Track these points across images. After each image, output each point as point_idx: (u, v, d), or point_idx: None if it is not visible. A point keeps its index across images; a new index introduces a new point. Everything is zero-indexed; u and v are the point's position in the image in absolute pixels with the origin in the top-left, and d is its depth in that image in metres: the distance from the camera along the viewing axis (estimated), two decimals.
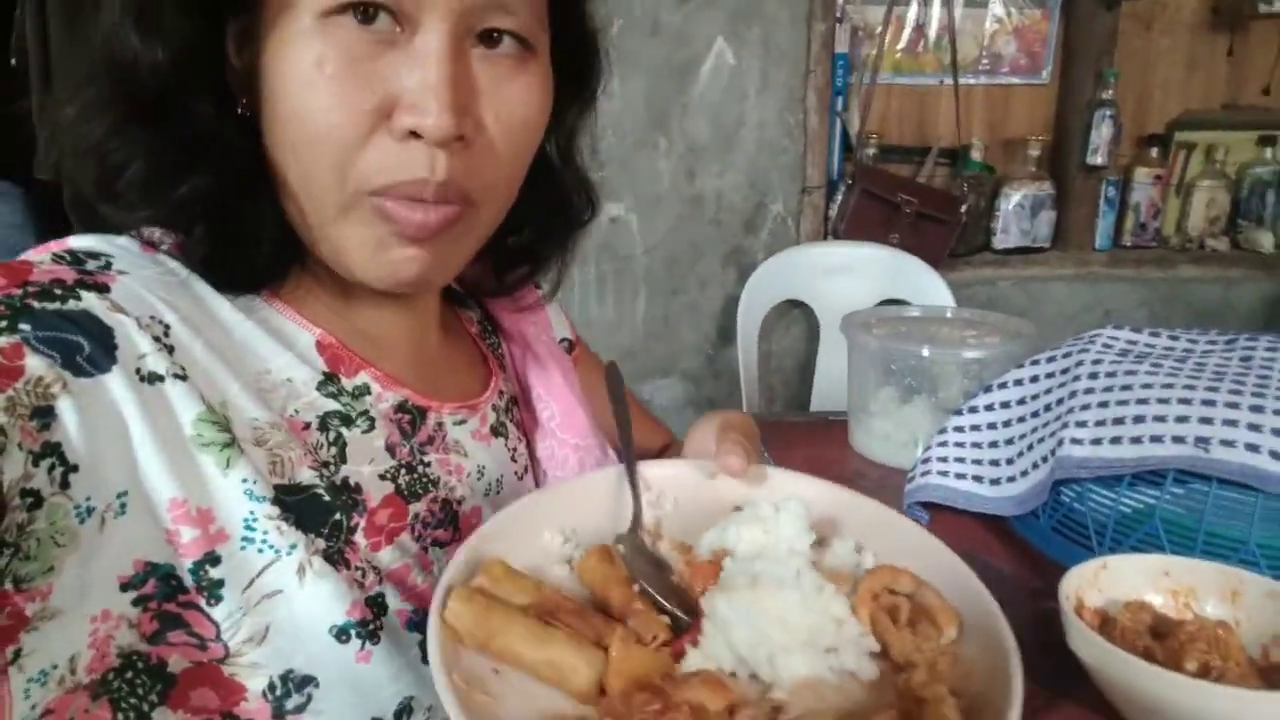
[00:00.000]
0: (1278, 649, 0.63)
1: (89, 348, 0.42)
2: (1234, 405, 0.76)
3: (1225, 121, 2.26)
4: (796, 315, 2.19)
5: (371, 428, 0.55)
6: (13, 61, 1.86)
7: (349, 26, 0.47)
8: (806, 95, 2.08)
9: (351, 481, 0.52)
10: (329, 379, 0.54)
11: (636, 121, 2.05)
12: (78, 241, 0.49)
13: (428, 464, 0.57)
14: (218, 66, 0.50)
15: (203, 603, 0.45)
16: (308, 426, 0.51)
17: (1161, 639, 0.63)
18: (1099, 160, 2.15)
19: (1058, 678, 0.65)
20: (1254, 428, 0.74)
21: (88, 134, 0.49)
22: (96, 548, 0.41)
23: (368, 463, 0.54)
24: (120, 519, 0.42)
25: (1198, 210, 2.29)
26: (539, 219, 0.61)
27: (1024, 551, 0.89)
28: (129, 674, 0.43)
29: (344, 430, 0.53)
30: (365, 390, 0.55)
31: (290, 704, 0.47)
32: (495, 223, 0.57)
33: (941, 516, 0.94)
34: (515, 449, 0.66)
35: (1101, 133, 2.14)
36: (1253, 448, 0.74)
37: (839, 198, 2.16)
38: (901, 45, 2.22)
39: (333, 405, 0.53)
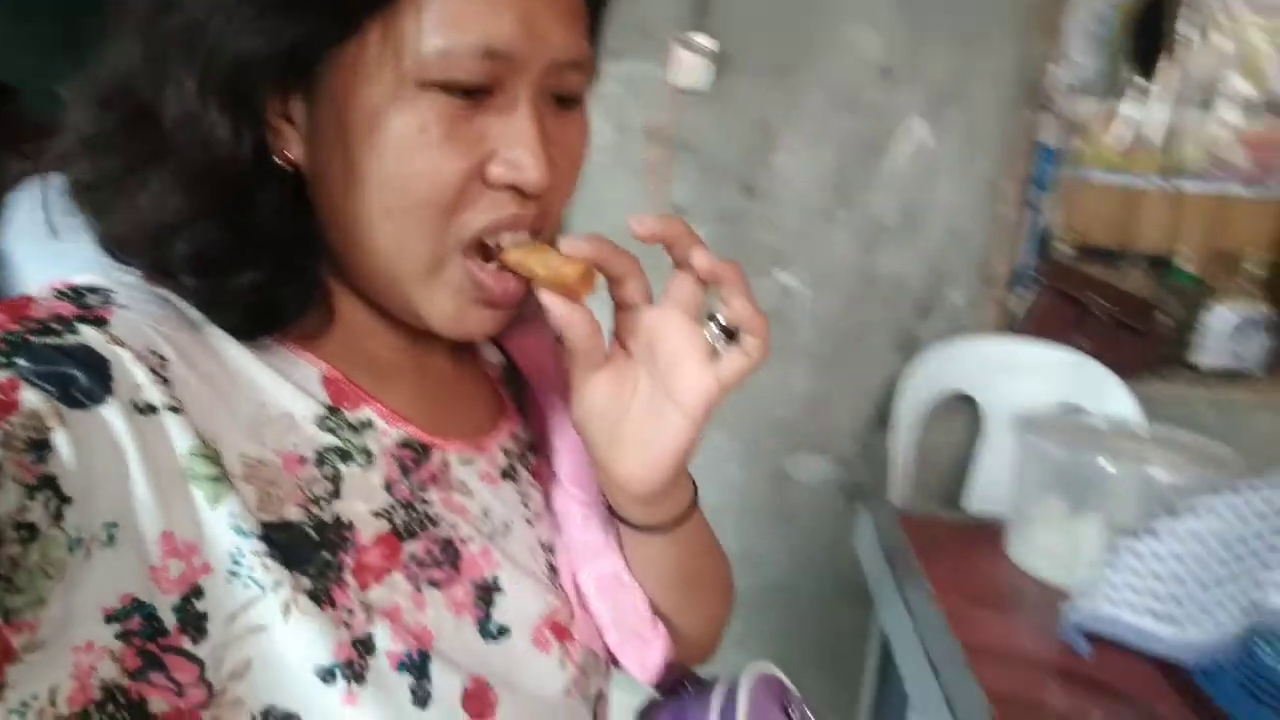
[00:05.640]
0: None
1: (85, 380, 0.43)
2: None
3: None
4: (962, 410, 2.06)
5: (370, 464, 0.54)
6: None
7: (441, 93, 0.48)
8: (1003, 184, 1.99)
9: (343, 518, 0.51)
10: (331, 413, 0.53)
11: (820, 193, 2.02)
12: (81, 277, 0.49)
13: (428, 502, 0.56)
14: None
15: (186, 643, 0.44)
16: (303, 461, 0.51)
17: None
18: None
19: None
20: None
21: (152, 216, 0.48)
22: (82, 577, 0.41)
23: (362, 499, 0.52)
24: (108, 549, 0.42)
25: None
26: None
27: (1200, 706, 0.78)
28: (109, 708, 0.42)
29: (341, 465, 0.52)
30: (368, 425, 0.54)
31: None
32: None
33: (1108, 651, 0.84)
34: (526, 494, 0.64)
35: None
36: None
37: (1025, 293, 2.04)
38: (1113, 142, 2.09)
39: (332, 440, 0.52)
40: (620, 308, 0.55)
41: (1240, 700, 0.75)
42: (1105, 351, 1.93)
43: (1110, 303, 1.96)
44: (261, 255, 0.50)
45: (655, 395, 0.55)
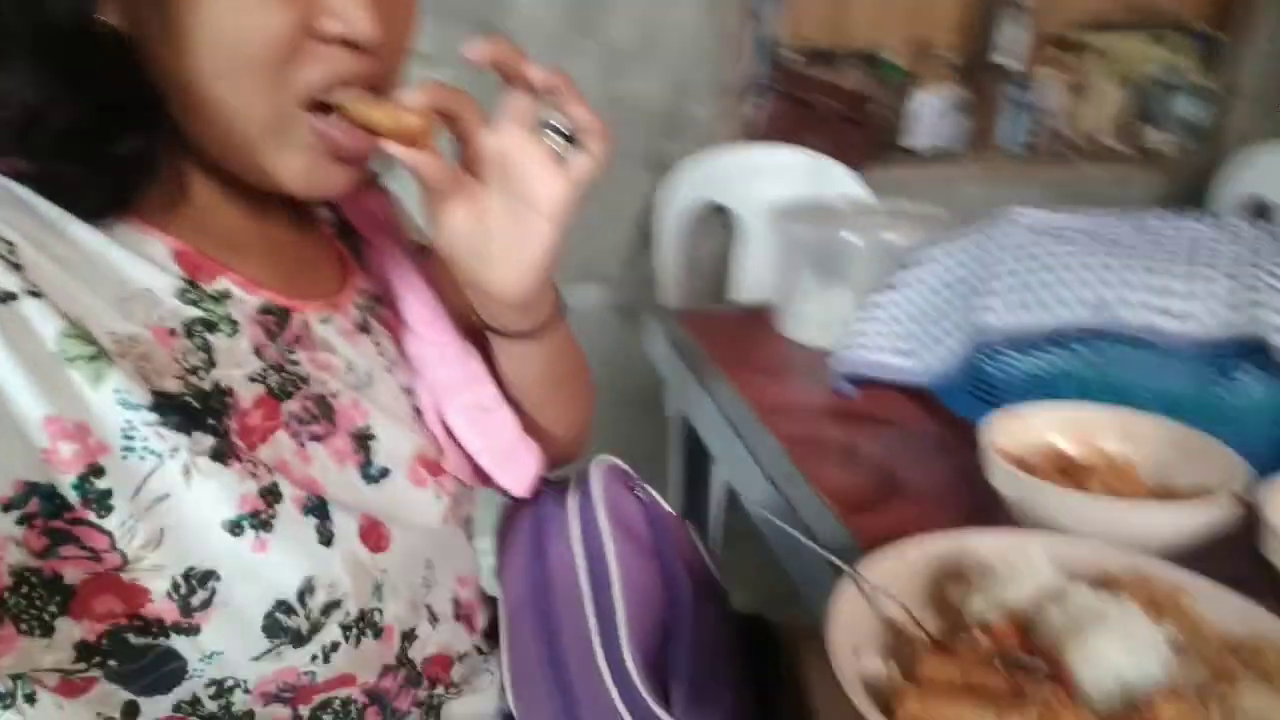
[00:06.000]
0: (1170, 478, 0.70)
1: None
2: (1131, 269, 0.83)
3: (1126, 23, 2.34)
4: (716, 218, 2.21)
5: (236, 332, 0.55)
6: None
7: None
8: None
9: (222, 385, 0.52)
10: (189, 286, 0.53)
11: (555, 23, 2.02)
12: None
13: (296, 363, 0.58)
14: None
15: (92, 516, 0.45)
16: (173, 334, 0.51)
17: (1070, 475, 0.70)
18: (1008, 63, 2.21)
19: (976, 515, 0.72)
20: (1149, 289, 0.81)
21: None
22: None
23: (236, 366, 0.54)
24: None
25: (1099, 112, 2.38)
26: None
27: (943, 418, 0.96)
28: (24, 589, 0.43)
29: (209, 336, 0.53)
30: (226, 295, 0.55)
31: (196, 600, 0.48)
32: None
33: (869, 390, 1.01)
34: (381, 344, 0.67)
35: (1010, 36, 2.20)
36: (1147, 307, 0.81)
37: (758, 100, 2.18)
38: None
39: (195, 312, 0.53)
40: (463, 140, 0.57)
41: (969, 404, 0.92)
42: (833, 146, 2.11)
43: (833, 100, 2.13)
44: (115, 127, 0.49)
45: (514, 209, 0.59)
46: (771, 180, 2.09)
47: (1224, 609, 0.56)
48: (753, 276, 2.13)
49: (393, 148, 0.53)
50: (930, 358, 0.95)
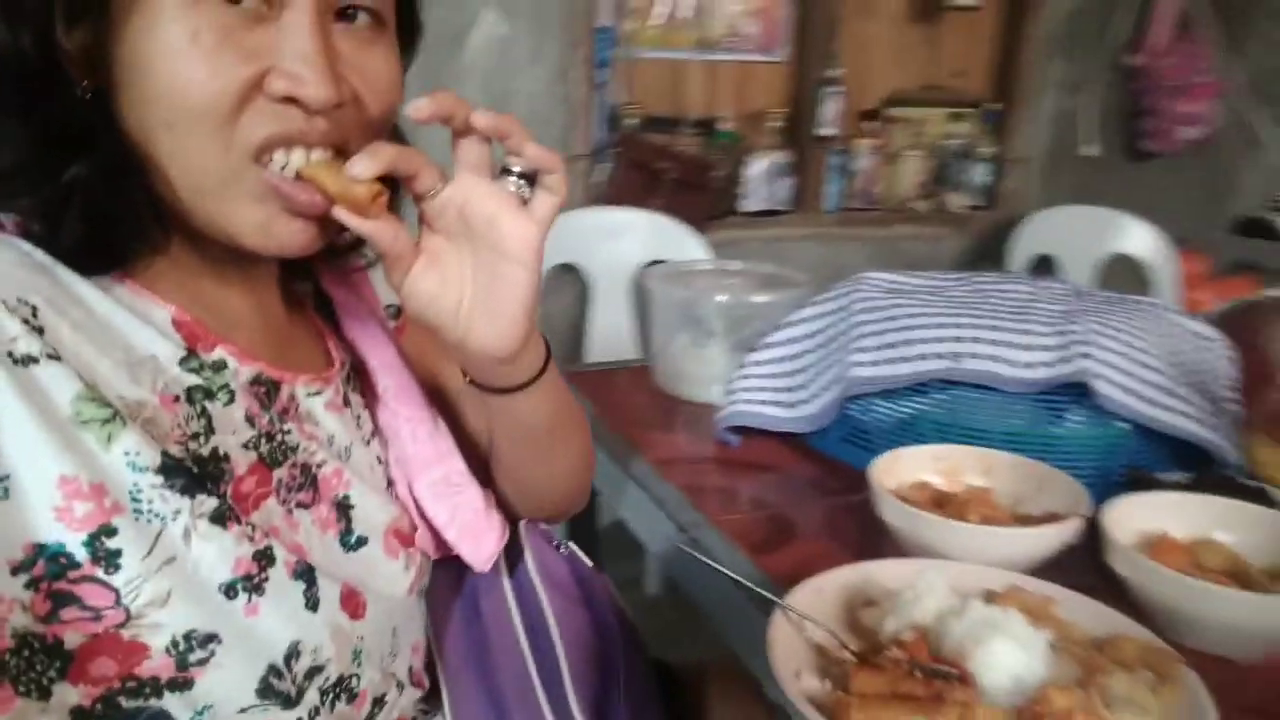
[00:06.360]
0: (1024, 504, 0.82)
1: None
2: (975, 326, 0.96)
3: (925, 99, 2.62)
4: (568, 278, 2.29)
5: (232, 401, 0.56)
6: None
7: (217, 3, 0.49)
8: (572, 67, 2.18)
9: (220, 451, 0.54)
10: (189, 354, 0.54)
11: (406, 90, 2.05)
12: None
13: (287, 432, 0.60)
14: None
15: (100, 572, 0.45)
16: (176, 400, 0.52)
17: (944, 507, 0.80)
18: (828, 132, 2.42)
19: (864, 546, 0.81)
20: (991, 343, 0.94)
21: None
22: None
23: (232, 433, 0.55)
24: (4, 503, 0.43)
25: (905, 177, 2.63)
26: None
27: (819, 461, 1.05)
28: (25, 653, 0.44)
29: (207, 404, 0.54)
30: (222, 365, 0.56)
31: (194, 659, 0.49)
32: None
33: (751, 439, 1.09)
34: (360, 416, 0.69)
35: (829, 108, 2.41)
36: (991, 358, 0.94)
37: (604, 166, 2.28)
38: (658, 21, 2.37)
39: (195, 380, 0.54)
40: (421, 198, 0.56)
41: (842, 448, 1.03)
42: (675, 208, 2.24)
43: (674, 165, 2.26)
44: (75, 159, 0.49)
45: (485, 261, 0.57)
46: (621, 241, 2.18)
47: (1084, 613, 0.67)
48: (606, 333, 2.21)
49: (344, 215, 0.53)
50: (806, 408, 1.05)
